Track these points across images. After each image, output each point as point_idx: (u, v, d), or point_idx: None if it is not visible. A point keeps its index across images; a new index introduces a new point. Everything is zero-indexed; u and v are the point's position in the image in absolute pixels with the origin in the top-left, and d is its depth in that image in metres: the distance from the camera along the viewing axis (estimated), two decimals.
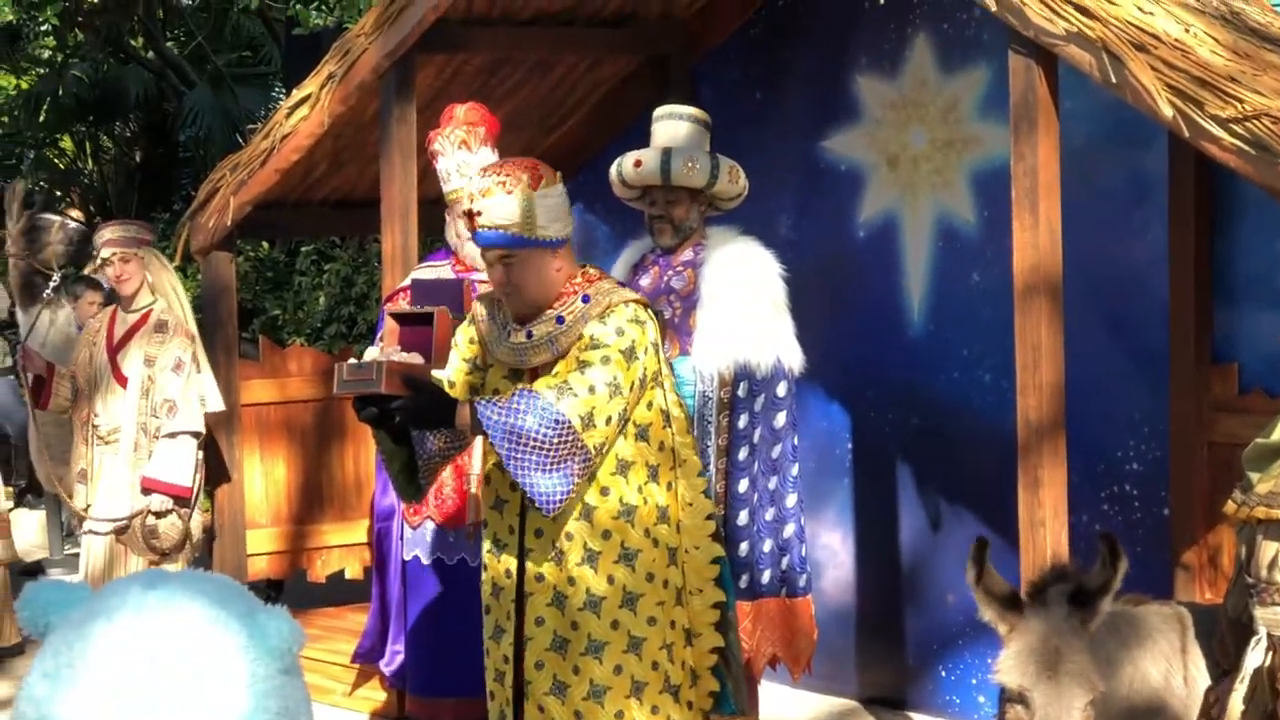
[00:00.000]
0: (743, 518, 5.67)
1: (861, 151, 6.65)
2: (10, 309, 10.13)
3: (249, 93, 14.41)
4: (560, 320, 4.66)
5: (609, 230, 7.83)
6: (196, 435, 7.10)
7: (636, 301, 4.71)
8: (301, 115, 7.04)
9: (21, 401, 8.42)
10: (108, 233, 7.35)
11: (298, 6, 10.59)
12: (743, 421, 5.67)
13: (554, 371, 4.63)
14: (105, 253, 7.28)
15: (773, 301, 5.76)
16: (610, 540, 4.62)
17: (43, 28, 11.93)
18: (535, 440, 4.44)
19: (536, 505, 4.49)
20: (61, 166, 15.92)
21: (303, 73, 7.95)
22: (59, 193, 14.53)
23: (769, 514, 5.68)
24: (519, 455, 4.45)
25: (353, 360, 4.65)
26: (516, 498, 4.67)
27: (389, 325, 4.78)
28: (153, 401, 7.10)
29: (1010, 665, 3.71)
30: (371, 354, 4.67)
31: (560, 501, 4.49)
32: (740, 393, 5.66)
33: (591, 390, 4.48)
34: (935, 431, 6.40)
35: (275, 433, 7.88)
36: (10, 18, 11.20)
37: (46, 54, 13.56)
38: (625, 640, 4.63)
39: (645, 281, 5.85)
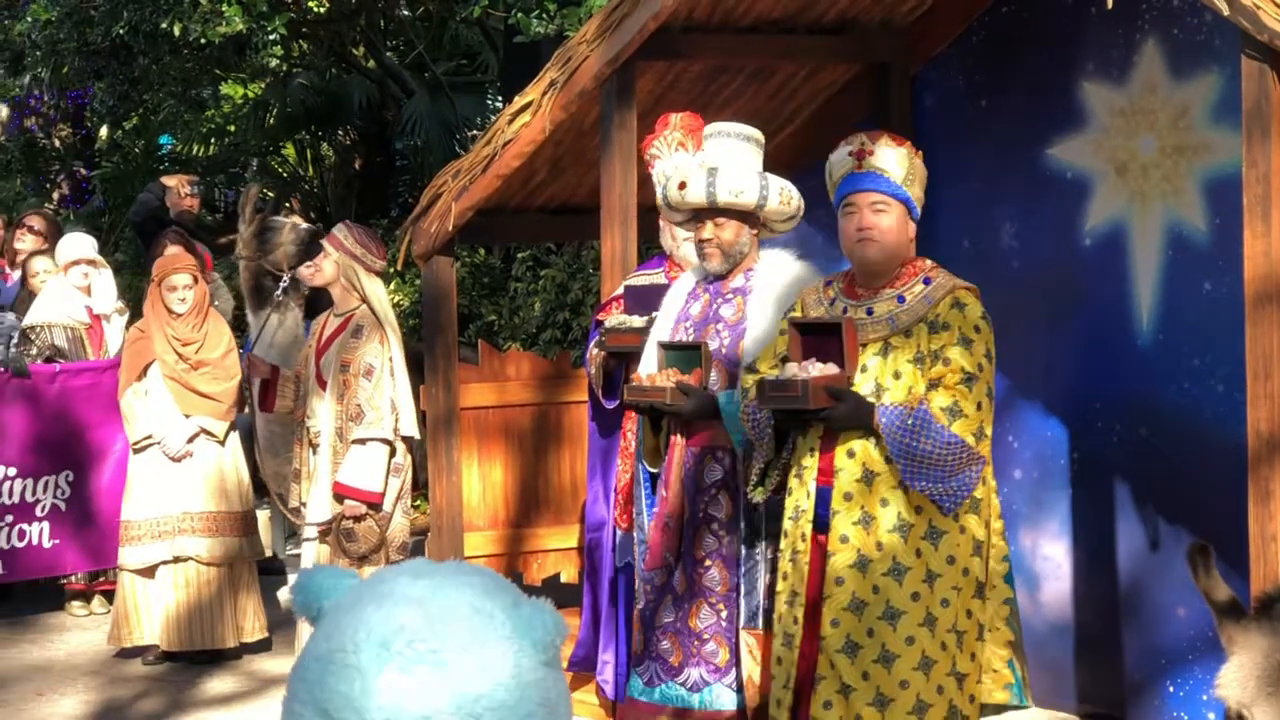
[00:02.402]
0: None
1: (1089, 159, 6.54)
2: (236, 311, 10.37)
3: (466, 101, 14.59)
4: (901, 299, 4.92)
5: (826, 239, 7.80)
6: (386, 442, 7.19)
7: (974, 291, 4.97)
8: (523, 122, 7.11)
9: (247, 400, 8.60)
10: (337, 227, 7.56)
11: (519, 15, 10.69)
12: None
13: (885, 348, 4.90)
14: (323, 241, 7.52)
15: None
16: (921, 515, 4.85)
17: (270, 38, 12.21)
18: (930, 459, 4.77)
19: (936, 504, 4.81)
20: (284, 174, 16.27)
21: (520, 81, 8.04)
22: (272, 196, 14.86)
23: None
24: (914, 470, 4.79)
25: (771, 377, 5.03)
26: (814, 464, 4.95)
27: (792, 335, 5.07)
28: (348, 407, 7.22)
29: (1230, 680, 3.61)
30: (791, 370, 4.96)
31: (961, 501, 4.82)
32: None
33: (979, 406, 4.81)
34: (1165, 443, 6.26)
35: (493, 436, 7.97)
36: (240, 28, 11.48)
37: (273, 63, 13.88)
38: (922, 614, 4.83)
39: (695, 310, 5.72)
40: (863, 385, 4.93)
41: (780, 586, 5.07)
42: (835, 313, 5.04)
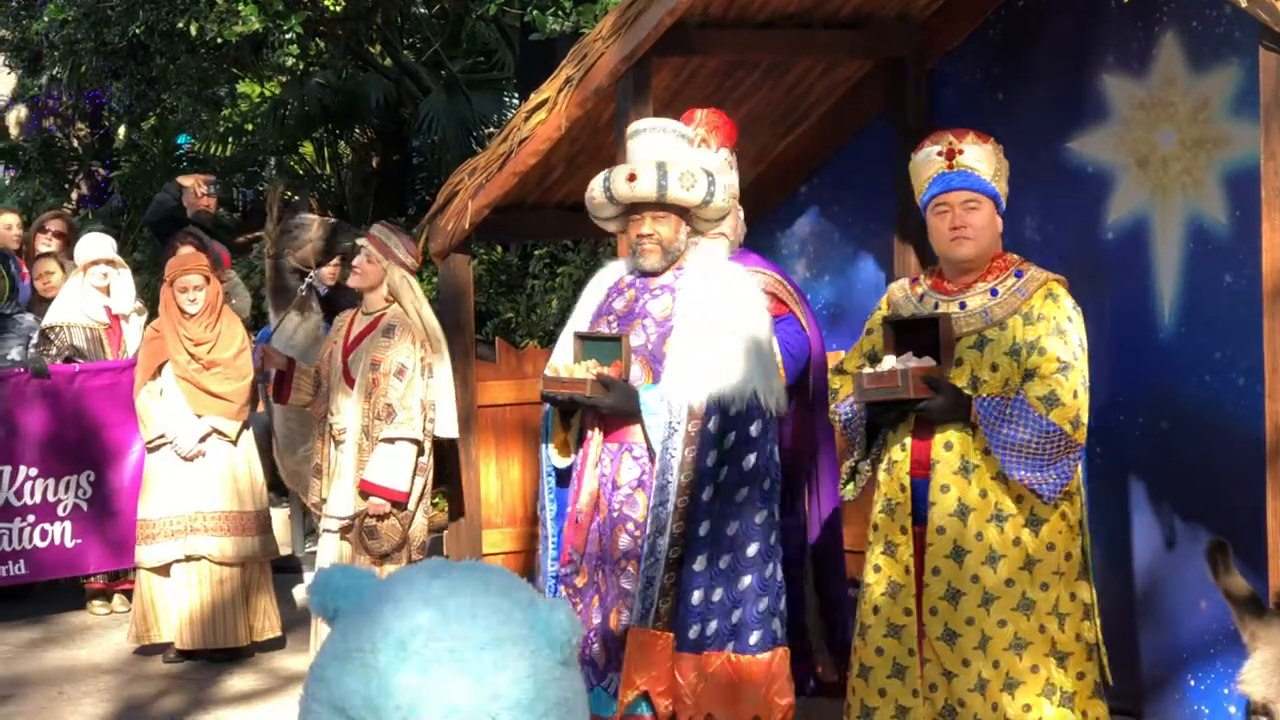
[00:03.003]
0: (699, 563, 5.24)
1: (1110, 152, 6.51)
2: (254, 309, 10.35)
3: (483, 98, 14.58)
4: (994, 293, 5.07)
5: (843, 235, 7.78)
6: (415, 441, 7.18)
7: (1064, 283, 5.13)
8: (539, 119, 7.11)
9: (264, 397, 8.60)
10: (378, 229, 7.53)
11: (535, 12, 10.69)
12: (711, 459, 5.25)
13: (980, 340, 5.03)
14: (361, 240, 7.49)
15: (754, 333, 5.37)
16: (1022, 504, 4.99)
17: (286, 36, 12.21)
18: (1029, 448, 4.90)
19: (1036, 493, 4.95)
20: (301, 173, 16.27)
21: (536, 78, 8.03)
22: (298, 198, 14.86)
23: (723, 562, 5.25)
24: (1014, 460, 4.93)
25: (869, 370, 5.15)
26: (905, 458, 5.09)
27: (886, 333, 5.18)
28: (375, 405, 7.22)
29: (1254, 676, 3.59)
30: (889, 362, 5.09)
31: (1059, 489, 4.95)
32: (711, 428, 5.25)
33: (1075, 395, 4.94)
34: (1186, 435, 6.24)
35: (511, 434, 7.96)
36: (257, 27, 11.49)
37: (289, 62, 13.88)
38: (1017, 598, 4.99)
39: (619, 304, 5.56)
40: (960, 379, 5.06)
41: (873, 579, 5.19)
42: (926, 308, 5.15)
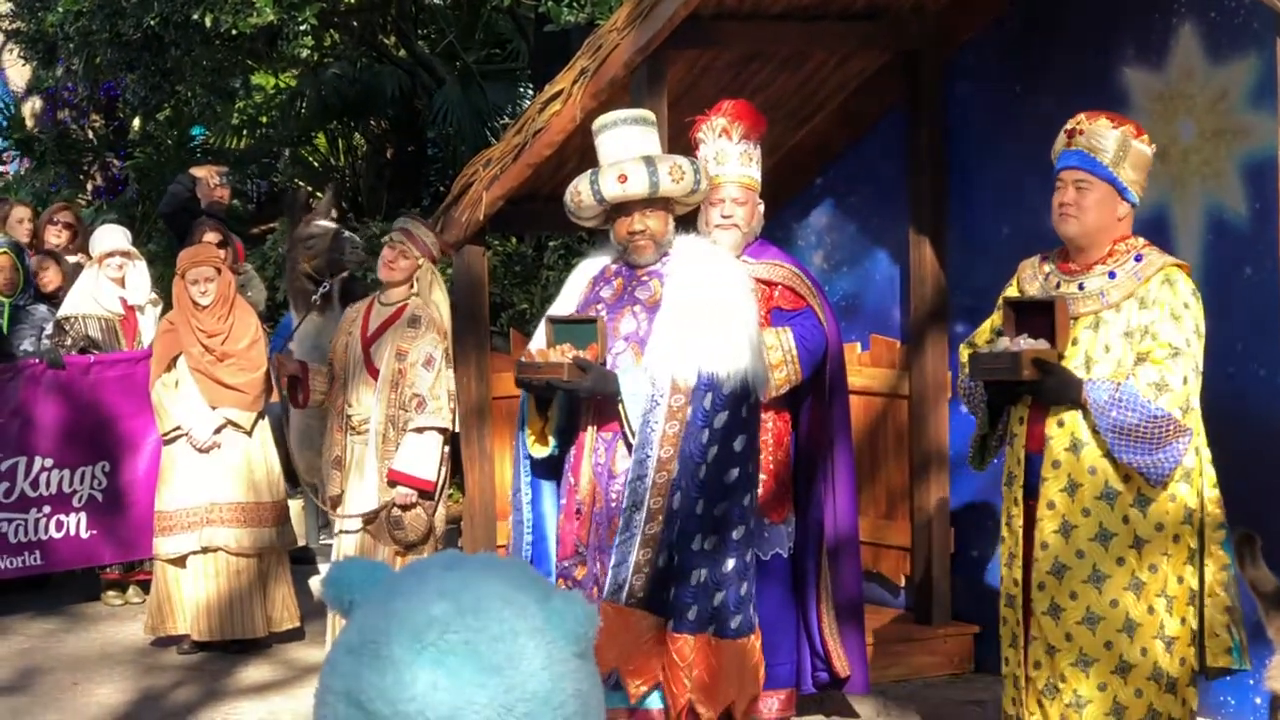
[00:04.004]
0: (697, 543, 5.23)
1: None
2: (267, 302, 10.31)
3: (497, 89, 14.57)
4: (1112, 275, 5.09)
5: (858, 227, 7.77)
6: (443, 431, 7.20)
7: (1184, 268, 5.13)
8: (554, 110, 7.09)
9: (277, 388, 8.54)
10: (412, 224, 7.53)
11: (549, 3, 10.68)
12: (704, 438, 5.21)
13: (1096, 322, 5.06)
14: (394, 235, 7.49)
15: (742, 317, 5.34)
16: (1130, 483, 5.02)
17: (301, 28, 12.18)
18: (1138, 432, 4.94)
19: (1144, 476, 4.98)
20: (315, 164, 16.27)
21: (551, 69, 8.02)
22: (319, 195, 14.83)
23: (709, 543, 5.23)
24: (1122, 444, 4.97)
25: (985, 350, 5.25)
26: (1022, 432, 5.17)
27: (1006, 313, 5.24)
28: (401, 395, 7.21)
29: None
30: (1003, 343, 5.16)
31: (1168, 473, 4.98)
32: (706, 405, 5.21)
33: (1185, 381, 4.97)
34: (1208, 427, 6.17)
35: None
36: (271, 18, 11.48)
37: (304, 54, 13.86)
38: (1128, 578, 5.00)
39: (607, 293, 5.52)
40: (1072, 358, 5.10)
41: (1000, 548, 5.31)
42: (1049, 287, 5.21)
